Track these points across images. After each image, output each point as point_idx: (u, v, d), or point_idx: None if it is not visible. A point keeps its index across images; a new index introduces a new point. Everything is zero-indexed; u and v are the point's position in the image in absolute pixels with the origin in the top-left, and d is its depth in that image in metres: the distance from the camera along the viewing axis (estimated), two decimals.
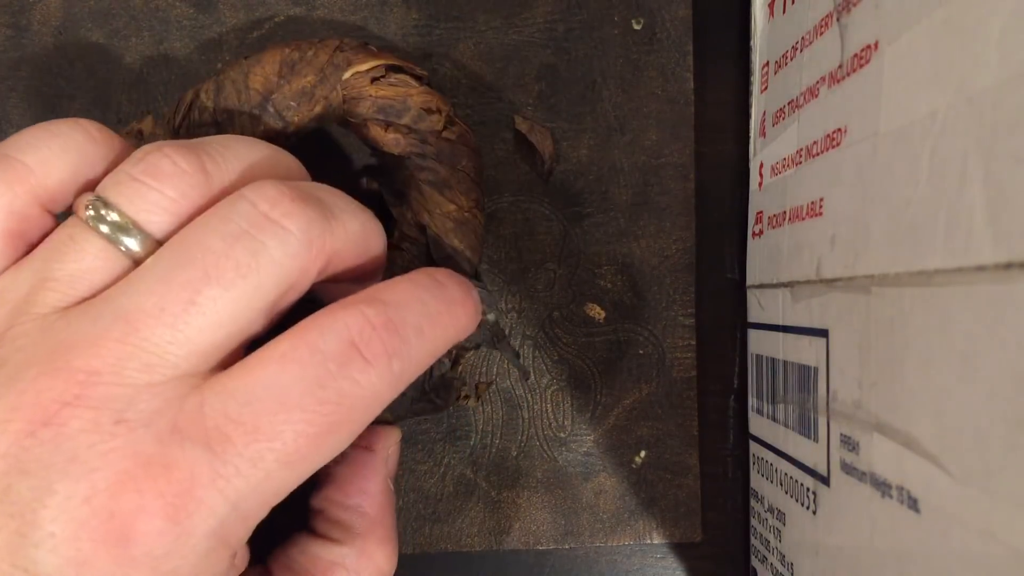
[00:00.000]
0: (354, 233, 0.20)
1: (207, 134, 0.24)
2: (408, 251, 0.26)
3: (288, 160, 0.22)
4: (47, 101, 0.28)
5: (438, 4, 0.28)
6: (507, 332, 0.28)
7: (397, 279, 0.20)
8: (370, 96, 0.25)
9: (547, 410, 0.28)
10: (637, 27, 0.28)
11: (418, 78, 0.26)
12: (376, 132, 0.25)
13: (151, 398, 0.17)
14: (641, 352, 0.28)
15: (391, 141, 0.25)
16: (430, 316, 0.20)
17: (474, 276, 0.27)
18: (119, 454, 0.17)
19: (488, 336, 0.25)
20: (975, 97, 0.15)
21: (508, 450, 0.28)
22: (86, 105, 0.28)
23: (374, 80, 0.25)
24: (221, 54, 0.28)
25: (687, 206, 0.28)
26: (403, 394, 0.25)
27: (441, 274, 0.21)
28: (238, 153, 0.20)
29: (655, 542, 0.28)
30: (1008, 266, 0.14)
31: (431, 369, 0.25)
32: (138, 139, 0.25)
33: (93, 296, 0.18)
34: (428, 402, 0.25)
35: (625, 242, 0.28)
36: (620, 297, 0.28)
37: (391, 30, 0.28)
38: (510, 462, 0.28)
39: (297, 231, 0.19)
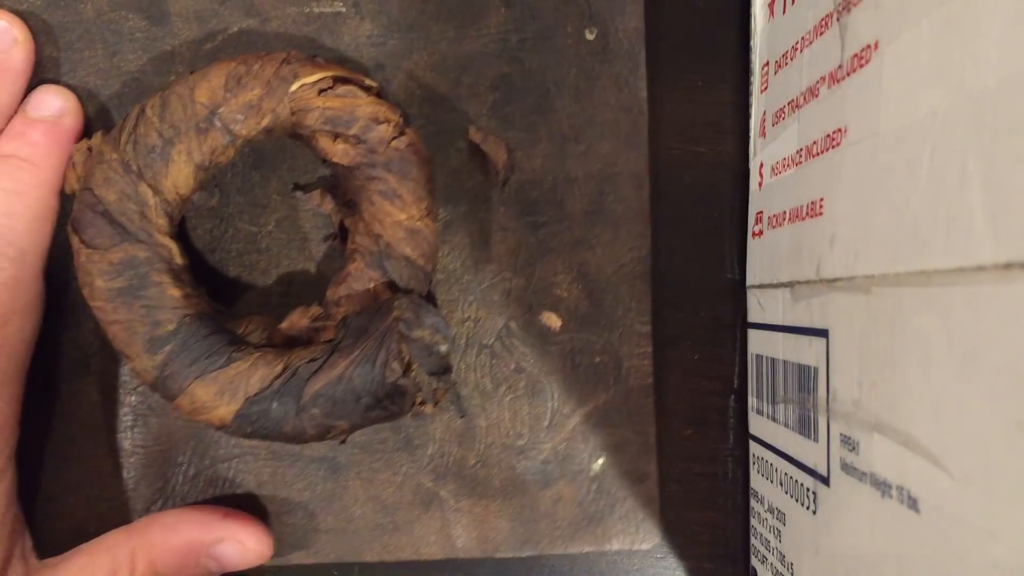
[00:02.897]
0: None
1: (153, 149, 0.24)
2: (361, 260, 0.26)
3: None
4: None
5: (391, 15, 0.28)
6: (454, 367, 0.27)
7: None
8: (318, 107, 0.25)
9: (505, 419, 0.28)
10: (590, 37, 0.28)
11: (367, 89, 0.26)
12: (325, 143, 0.25)
13: None
14: (598, 360, 0.28)
15: (340, 152, 0.25)
16: None
17: (427, 286, 0.27)
18: None
19: (437, 366, 0.25)
20: (975, 97, 0.15)
21: (466, 459, 0.28)
22: None
23: (322, 92, 0.25)
24: (174, 66, 0.28)
25: (642, 214, 0.28)
26: (357, 400, 0.25)
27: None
28: None
29: (613, 548, 0.28)
30: (1008, 266, 0.14)
31: (383, 376, 0.25)
32: (88, 154, 0.25)
33: None
34: (383, 409, 0.25)
35: (580, 251, 0.28)
36: (576, 306, 0.28)
37: (344, 42, 0.28)
38: (468, 471, 0.28)
39: None
